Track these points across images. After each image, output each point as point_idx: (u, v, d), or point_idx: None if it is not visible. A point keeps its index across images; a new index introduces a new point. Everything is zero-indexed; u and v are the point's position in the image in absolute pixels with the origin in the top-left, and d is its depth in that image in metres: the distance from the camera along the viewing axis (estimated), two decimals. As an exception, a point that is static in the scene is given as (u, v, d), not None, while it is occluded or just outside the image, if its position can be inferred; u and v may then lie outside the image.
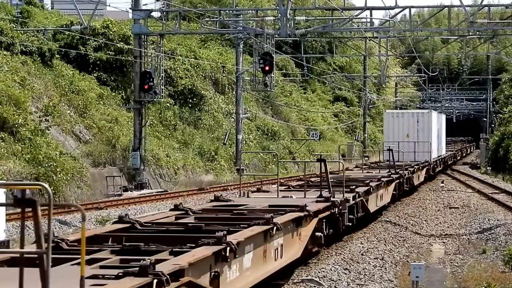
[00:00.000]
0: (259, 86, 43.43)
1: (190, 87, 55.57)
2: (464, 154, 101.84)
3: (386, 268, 18.96)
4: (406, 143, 48.73)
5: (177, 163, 46.48)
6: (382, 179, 30.00)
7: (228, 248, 11.52)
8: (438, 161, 57.06)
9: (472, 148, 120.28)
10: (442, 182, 50.10)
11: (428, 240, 25.24)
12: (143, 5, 41.61)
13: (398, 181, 34.35)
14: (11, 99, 35.83)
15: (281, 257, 15.04)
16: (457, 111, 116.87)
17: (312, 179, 27.46)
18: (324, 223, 19.01)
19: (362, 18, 43.92)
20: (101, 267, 9.89)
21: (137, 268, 8.88)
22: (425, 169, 47.81)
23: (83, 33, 40.92)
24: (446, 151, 71.48)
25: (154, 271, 8.96)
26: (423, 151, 49.85)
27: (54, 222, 27.40)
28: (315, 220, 17.67)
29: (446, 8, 46.56)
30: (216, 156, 51.68)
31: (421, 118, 51.44)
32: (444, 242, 24.64)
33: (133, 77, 42.71)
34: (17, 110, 35.48)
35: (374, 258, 20.21)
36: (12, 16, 44.81)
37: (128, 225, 13.91)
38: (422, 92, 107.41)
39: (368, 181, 27.72)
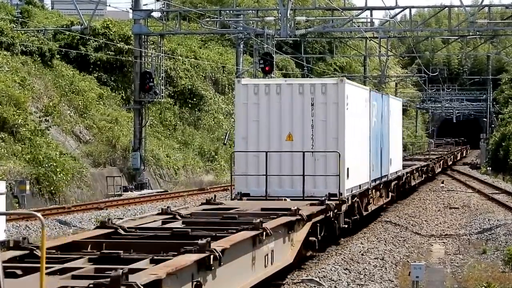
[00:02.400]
0: (259, 86, 43.33)
1: (190, 87, 55.58)
2: (450, 163, 73.86)
3: (386, 268, 18.95)
4: (287, 157, 22.35)
5: (177, 163, 46.49)
6: None
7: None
8: (375, 190, 28.13)
9: (465, 151, 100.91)
10: (442, 183, 50.02)
11: (428, 240, 25.23)
12: (143, 5, 41.62)
13: None
14: (11, 99, 35.83)
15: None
16: (457, 111, 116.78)
17: None
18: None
19: (362, 18, 43.92)
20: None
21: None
22: (304, 227, 17.32)
23: (83, 33, 40.94)
24: (412, 162, 48.58)
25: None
26: (326, 173, 22.16)
27: (54, 222, 27.43)
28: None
29: (447, 8, 46.57)
30: (216, 156, 51.69)
31: (319, 98, 22.50)
32: (444, 242, 24.64)
33: (133, 77, 42.71)
34: (17, 110, 35.48)
35: (374, 258, 20.21)
36: (12, 16, 44.83)
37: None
38: (422, 92, 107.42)
39: None
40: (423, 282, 16.24)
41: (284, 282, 16.67)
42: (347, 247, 21.99)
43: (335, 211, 20.56)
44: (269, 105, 22.59)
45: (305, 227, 17.09)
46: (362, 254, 20.77)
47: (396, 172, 34.20)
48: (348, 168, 22.49)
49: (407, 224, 28.75)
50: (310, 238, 18.04)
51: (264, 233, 13.59)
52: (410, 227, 28.03)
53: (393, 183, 33.31)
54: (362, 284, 16.75)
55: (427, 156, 60.83)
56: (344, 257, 20.03)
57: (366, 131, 26.25)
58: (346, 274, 17.72)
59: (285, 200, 21.13)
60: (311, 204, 19.18)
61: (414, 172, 43.24)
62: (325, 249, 20.95)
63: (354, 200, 23.63)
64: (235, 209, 18.16)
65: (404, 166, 38.80)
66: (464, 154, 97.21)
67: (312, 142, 22.39)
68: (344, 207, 21.81)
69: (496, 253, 21.80)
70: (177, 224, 15.12)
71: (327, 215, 19.73)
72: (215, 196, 23.66)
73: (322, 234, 19.41)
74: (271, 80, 26.11)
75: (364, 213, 26.03)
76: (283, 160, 22.33)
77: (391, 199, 33.44)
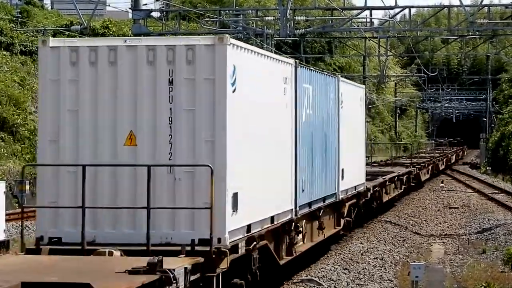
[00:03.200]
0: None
1: (189, 87, 55.56)
2: (442, 167, 63.58)
3: (385, 268, 18.96)
4: (128, 174, 12.82)
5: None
6: None
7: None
8: (307, 220, 18.23)
9: (461, 153, 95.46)
10: (442, 182, 50.03)
11: (428, 240, 25.24)
12: (143, 5, 41.58)
13: None
14: (11, 99, 35.86)
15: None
16: (456, 111, 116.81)
17: None
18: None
19: (361, 18, 43.91)
20: None
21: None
22: None
23: (83, 33, 40.92)
24: (390, 169, 39.85)
25: None
26: (193, 204, 12.38)
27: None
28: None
29: (446, 8, 46.55)
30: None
31: (183, 70, 12.65)
32: (444, 242, 24.65)
33: (132, 77, 42.70)
34: (17, 110, 35.51)
35: (374, 258, 20.22)
36: (12, 16, 44.84)
37: None
38: (421, 92, 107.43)
39: None
40: (423, 282, 16.25)
41: (283, 282, 16.67)
42: (346, 247, 22.00)
43: (201, 274, 11.48)
44: (97, 84, 13.19)
45: None
46: (362, 254, 20.78)
47: (355, 187, 24.03)
48: (236, 194, 12.76)
49: (406, 224, 28.76)
50: None
51: None
52: (409, 227, 28.04)
53: (348, 204, 23.13)
54: (362, 284, 16.76)
55: (413, 160, 50.24)
56: (343, 257, 20.04)
57: (286, 129, 16.22)
58: (345, 274, 17.73)
59: (111, 254, 11.70)
60: (132, 272, 9.97)
61: (387, 183, 32.37)
62: None
63: (253, 246, 13.50)
64: None
65: (377, 175, 32.07)
66: (460, 156, 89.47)
67: (170, 148, 12.74)
68: (224, 264, 12.04)
69: (495, 253, 21.81)
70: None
71: None
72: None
73: None
74: (100, 40, 14.38)
75: (283, 261, 15.99)
76: (121, 179, 12.83)
77: (345, 226, 23.09)
